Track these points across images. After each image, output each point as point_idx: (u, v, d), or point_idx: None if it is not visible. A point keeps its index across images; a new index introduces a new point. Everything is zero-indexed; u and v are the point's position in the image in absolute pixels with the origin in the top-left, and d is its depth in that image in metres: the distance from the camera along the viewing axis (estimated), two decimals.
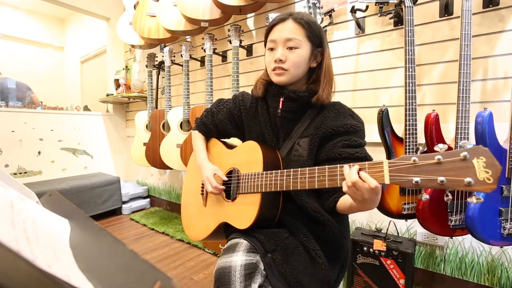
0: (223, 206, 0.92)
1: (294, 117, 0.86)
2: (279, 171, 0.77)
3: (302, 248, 0.79)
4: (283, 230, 0.82)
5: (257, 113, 0.93)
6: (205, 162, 0.97)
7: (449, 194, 0.54)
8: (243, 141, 1.01)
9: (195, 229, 1.02)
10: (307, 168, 0.71)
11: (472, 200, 0.50)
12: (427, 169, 0.51)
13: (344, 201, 0.73)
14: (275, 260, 0.76)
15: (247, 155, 0.89)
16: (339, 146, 0.77)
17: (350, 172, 0.59)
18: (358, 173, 0.59)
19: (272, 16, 1.57)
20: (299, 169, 0.73)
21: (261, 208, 0.79)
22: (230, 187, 0.91)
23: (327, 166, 0.67)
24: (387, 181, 0.56)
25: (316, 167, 0.69)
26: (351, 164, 0.62)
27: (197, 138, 1.06)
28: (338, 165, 0.65)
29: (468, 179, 0.47)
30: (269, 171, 0.79)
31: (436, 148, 0.52)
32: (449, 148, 1.11)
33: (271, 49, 0.82)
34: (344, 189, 0.60)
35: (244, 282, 0.68)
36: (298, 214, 0.82)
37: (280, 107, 0.85)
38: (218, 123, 1.01)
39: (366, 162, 0.60)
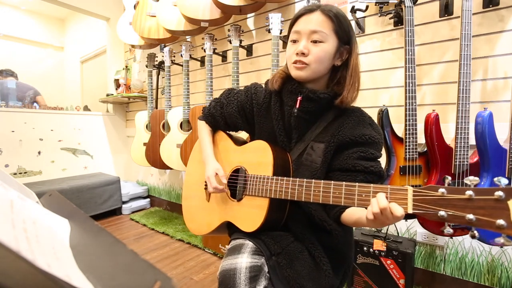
0: (228, 204, 0.90)
1: (310, 119, 0.81)
2: (291, 179, 0.73)
3: (307, 253, 0.78)
4: (289, 234, 0.81)
5: (270, 110, 0.87)
6: (209, 159, 0.93)
7: (447, 227, 0.51)
8: (251, 136, 0.97)
9: (197, 223, 1.00)
10: (322, 181, 0.67)
11: (500, 240, 0.46)
12: (455, 203, 0.48)
13: (350, 215, 0.70)
14: (279, 264, 0.74)
15: (256, 156, 0.85)
16: (354, 158, 0.73)
17: (379, 198, 0.56)
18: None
19: (272, 16, 1.57)
20: (313, 180, 0.69)
21: (268, 214, 0.77)
22: (236, 186, 0.88)
23: (344, 183, 0.63)
24: (410, 210, 0.53)
25: (332, 182, 0.65)
26: (373, 186, 0.59)
27: (204, 130, 1.00)
28: (357, 184, 0.61)
29: (500, 222, 0.43)
30: (279, 177, 0.75)
31: (466, 180, 0.48)
32: (450, 149, 1.12)
33: (294, 41, 0.77)
34: (369, 216, 0.57)
35: (249, 285, 0.67)
36: (304, 220, 0.81)
37: (297, 106, 0.79)
38: (227, 116, 0.95)
39: (389, 187, 0.57)
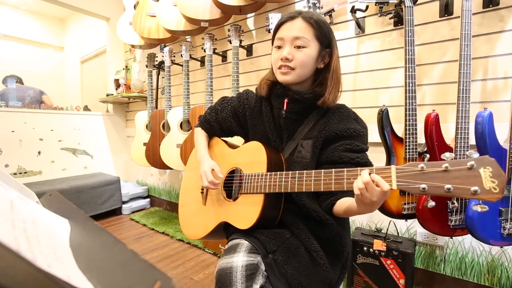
0: (224, 205, 0.91)
1: (298, 118, 0.85)
2: (284, 172, 0.76)
3: (304, 249, 0.79)
4: (284, 231, 0.82)
5: (261, 113, 0.92)
6: (205, 158, 0.96)
7: (455, 202, 0.54)
8: (245, 140, 1.00)
9: (194, 227, 1.01)
10: (313, 171, 0.70)
11: (477, 208, 0.51)
12: (434, 176, 0.52)
13: (341, 204, 0.73)
14: (276, 261, 0.75)
15: (250, 156, 0.88)
16: (340, 150, 0.77)
17: (362, 174, 0.59)
18: (370, 175, 0.58)
19: (272, 16, 1.57)
20: (304, 171, 0.72)
21: (263, 209, 0.79)
22: (232, 187, 0.90)
23: (333, 170, 0.66)
24: (394, 187, 0.56)
25: (322, 170, 0.68)
26: (360, 168, 0.61)
27: (200, 135, 1.05)
28: (345, 169, 0.64)
29: (474, 188, 0.47)
30: (273, 172, 0.78)
31: (443, 157, 0.52)
32: (450, 149, 1.12)
33: (278, 47, 0.81)
34: (355, 191, 0.59)
35: (246, 283, 0.68)
36: (299, 215, 0.82)
37: (285, 108, 0.84)
38: (222, 121, 1.00)
39: (374, 167, 0.60)
